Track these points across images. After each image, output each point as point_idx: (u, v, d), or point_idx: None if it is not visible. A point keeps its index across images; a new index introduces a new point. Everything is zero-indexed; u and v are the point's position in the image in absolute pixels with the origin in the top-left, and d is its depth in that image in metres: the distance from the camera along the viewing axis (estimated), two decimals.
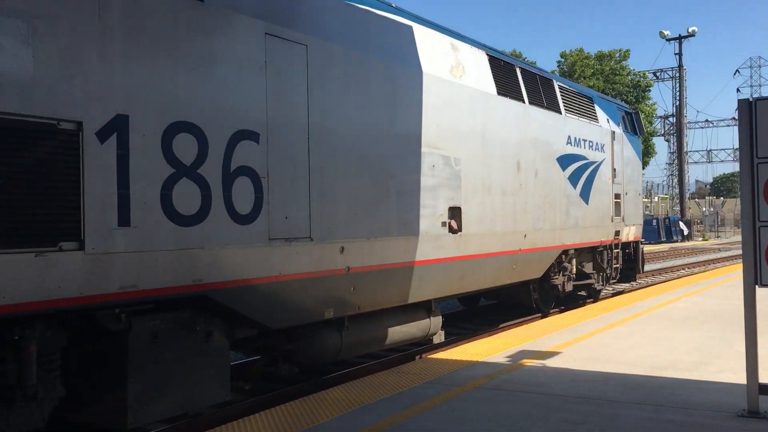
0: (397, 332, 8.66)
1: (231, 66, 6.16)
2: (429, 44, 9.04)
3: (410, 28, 8.77)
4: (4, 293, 4.48)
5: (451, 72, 9.36)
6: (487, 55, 10.50)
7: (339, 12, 7.60)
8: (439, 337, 10.04)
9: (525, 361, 7.78)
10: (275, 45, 6.60)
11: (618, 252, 14.99)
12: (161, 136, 5.51)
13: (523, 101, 11.19)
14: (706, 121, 71.14)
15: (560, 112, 12.41)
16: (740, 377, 5.95)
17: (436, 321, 9.39)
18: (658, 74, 56.27)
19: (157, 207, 5.46)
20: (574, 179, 12.78)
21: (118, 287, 5.18)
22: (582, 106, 13.56)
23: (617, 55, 52.86)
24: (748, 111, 5.67)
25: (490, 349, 8.54)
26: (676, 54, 53.24)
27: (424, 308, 9.16)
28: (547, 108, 11.94)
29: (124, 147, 5.22)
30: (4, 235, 4.52)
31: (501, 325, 12.70)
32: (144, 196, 5.35)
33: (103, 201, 5.06)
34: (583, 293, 15.01)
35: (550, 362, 7.69)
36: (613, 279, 15.09)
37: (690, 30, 51.53)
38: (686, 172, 56.89)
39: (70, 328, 5.30)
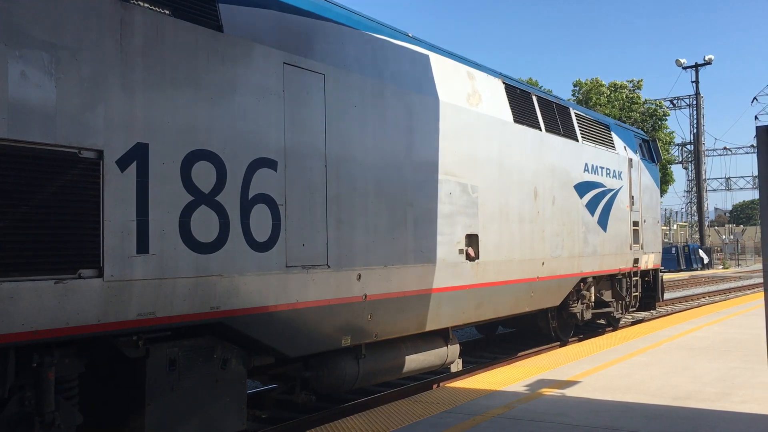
0: (415, 360, 8.59)
1: (249, 95, 6.23)
2: (445, 73, 9.10)
3: (427, 56, 8.84)
4: (23, 320, 4.51)
5: (467, 100, 9.41)
6: (504, 83, 10.55)
7: (356, 42, 7.69)
8: (457, 366, 9.95)
9: (544, 390, 7.67)
10: (293, 74, 6.68)
11: (637, 280, 14.84)
12: (180, 164, 5.57)
13: (540, 129, 11.20)
14: (725, 148, 70.87)
15: (577, 140, 12.40)
16: (765, 407, 5.83)
17: (454, 349, 9.31)
18: (675, 102, 56.17)
19: (176, 234, 5.50)
20: (591, 207, 12.72)
21: (137, 314, 5.20)
22: (599, 134, 13.54)
23: (630, 85, 52.86)
24: (767, 138, 5.61)
25: (509, 378, 8.44)
26: (692, 82, 53.17)
27: (442, 336, 9.09)
28: (564, 135, 11.93)
29: (143, 175, 5.28)
30: (24, 262, 4.56)
31: (519, 354, 12.57)
32: (163, 223, 5.40)
33: (122, 228, 5.11)
34: (602, 322, 14.84)
35: (570, 392, 7.59)
36: (632, 307, 14.91)
37: (707, 58, 51.48)
38: (705, 199, 56.43)
39: (88, 354, 5.32)
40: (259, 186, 6.23)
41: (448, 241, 8.72)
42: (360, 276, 7.32)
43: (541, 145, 11.13)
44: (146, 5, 5.45)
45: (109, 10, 5.15)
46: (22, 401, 4.84)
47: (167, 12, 5.61)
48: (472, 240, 9.21)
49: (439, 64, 9.02)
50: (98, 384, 5.67)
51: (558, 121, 11.89)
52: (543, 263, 10.97)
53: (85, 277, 4.87)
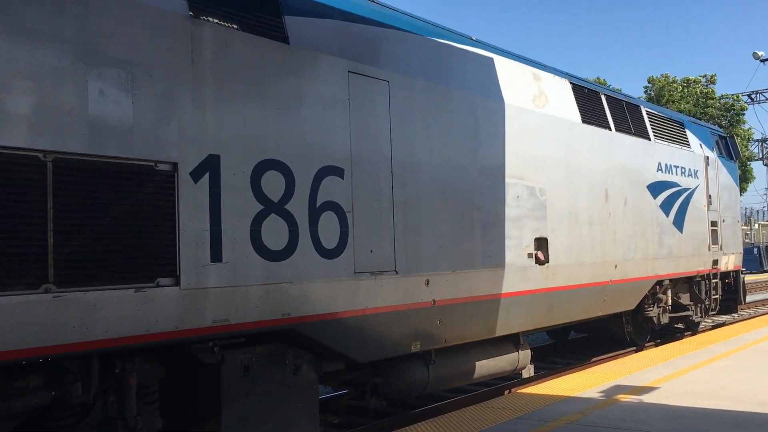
0: (485, 366, 8.51)
1: (316, 104, 6.33)
2: (510, 75, 9.02)
3: (491, 59, 8.78)
4: (106, 328, 4.71)
5: (533, 102, 9.29)
6: (571, 83, 10.37)
7: (420, 47, 7.71)
8: (529, 372, 9.82)
9: (620, 396, 7.48)
10: (358, 82, 6.75)
11: (717, 282, 14.29)
12: (251, 174, 5.70)
13: (610, 128, 10.95)
14: None
15: (649, 139, 12.07)
16: None
17: (525, 354, 9.18)
18: (753, 96, 53.94)
19: (247, 243, 5.63)
20: (666, 207, 12.34)
21: (212, 321, 5.35)
22: (672, 132, 13.14)
23: (703, 80, 51.08)
24: None
25: (583, 383, 8.27)
26: None
27: (512, 341, 8.98)
28: (635, 135, 11.64)
29: (216, 186, 5.43)
30: (106, 272, 4.76)
31: (593, 359, 12.30)
32: (235, 232, 5.53)
33: (196, 238, 5.27)
34: (680, 326, 14.35)
35: (647, 398, 7.37)
36: (712, 311, 14.37)
37: None
38: None
39: (166, 360, 5.49)
40: (326, 194, 6.32)
41: (517, 245, 8.62)
42: (428, 281, 7.31)
43: (611, 145, 10.88)
44: (215, 21, 5.62)
45: (180, 27, 5.33)
46: (105, 406, 5.04)
47: (235, 26, 5.77)
48: (541, 243, 9.08)
49: (503, 67, 8.94)
50: (173, 389, 5.84)
51: (628, 120, 11.60)
52: (616, 266, 10.71)
53: (163, 286, 5.05)
